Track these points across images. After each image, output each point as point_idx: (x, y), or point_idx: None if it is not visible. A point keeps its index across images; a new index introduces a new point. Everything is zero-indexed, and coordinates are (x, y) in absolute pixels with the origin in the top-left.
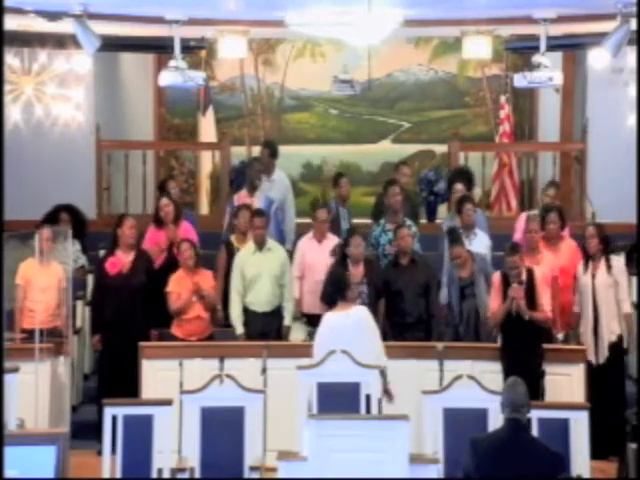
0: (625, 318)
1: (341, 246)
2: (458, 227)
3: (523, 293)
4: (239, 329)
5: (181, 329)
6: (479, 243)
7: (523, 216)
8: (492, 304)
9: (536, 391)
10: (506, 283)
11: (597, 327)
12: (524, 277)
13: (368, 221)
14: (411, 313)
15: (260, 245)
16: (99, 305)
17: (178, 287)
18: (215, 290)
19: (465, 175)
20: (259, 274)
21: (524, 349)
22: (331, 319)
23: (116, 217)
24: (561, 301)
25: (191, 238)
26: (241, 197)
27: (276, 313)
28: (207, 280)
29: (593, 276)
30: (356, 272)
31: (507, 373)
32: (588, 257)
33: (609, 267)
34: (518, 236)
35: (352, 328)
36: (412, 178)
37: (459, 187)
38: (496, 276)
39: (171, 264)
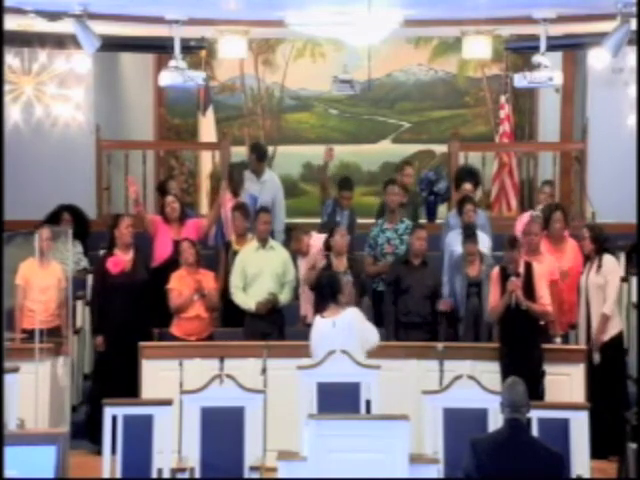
0: (601, 318)
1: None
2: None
3: (521, 284)
4: (251, 305)
5: (180, 328)
6: (479, 244)
7: (525, 216)
8: (491, 298)
9: (536, 391)
10: (504, 277)
11: (589, 328)
12: (522, 270)
13: (368, 221)
14: (417, 313)
15: (263, 242)
16: (102, 305)
17: (179, 285)
18: (216, 291)
19: (474, 174)
20: (261, 272)
21: (522, 348)
22: (319, 325)
23: (112, 217)
24: (566, 301)
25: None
26: (225, 200)
27: (277, 312)
28: (208, 280)
29: (587, 276)
30: (339, 263)
31: (505, 373)
32: (587, 258)
33: (599, 267)
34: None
35: (339, 335)
36: (413, 178)
37: (468, 187)
38: (494, 270)
39: (174, 261)
